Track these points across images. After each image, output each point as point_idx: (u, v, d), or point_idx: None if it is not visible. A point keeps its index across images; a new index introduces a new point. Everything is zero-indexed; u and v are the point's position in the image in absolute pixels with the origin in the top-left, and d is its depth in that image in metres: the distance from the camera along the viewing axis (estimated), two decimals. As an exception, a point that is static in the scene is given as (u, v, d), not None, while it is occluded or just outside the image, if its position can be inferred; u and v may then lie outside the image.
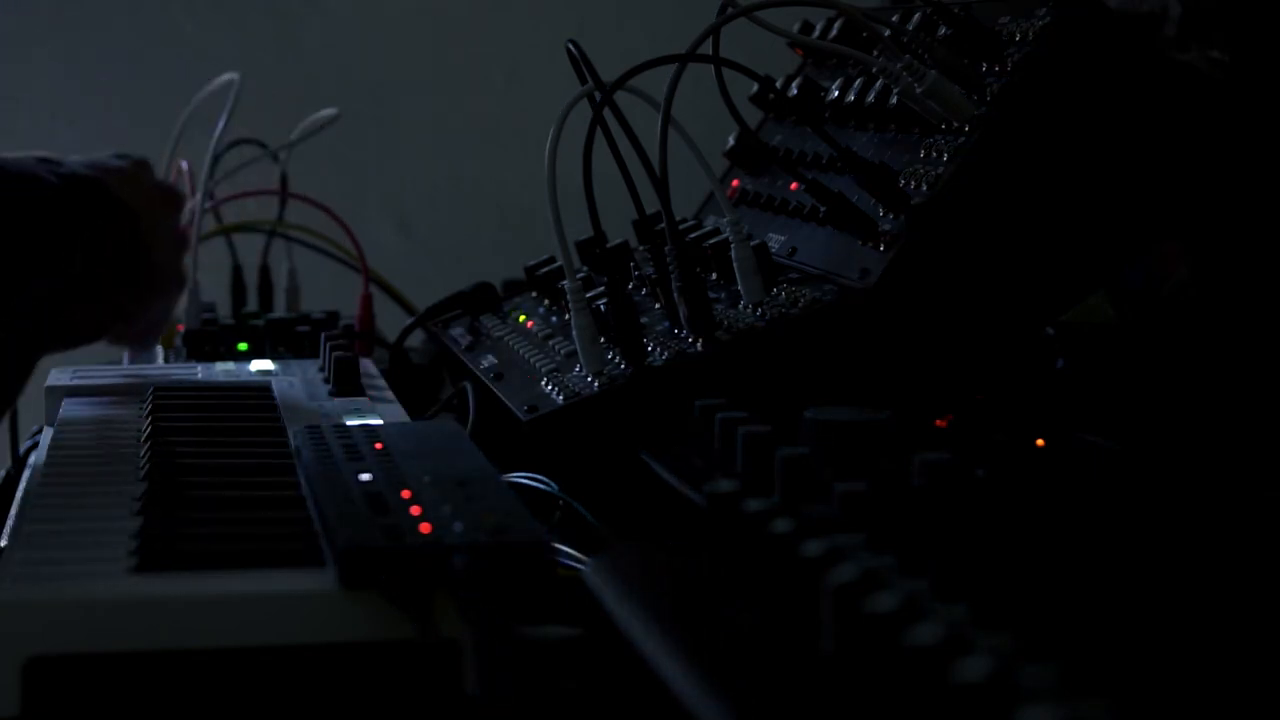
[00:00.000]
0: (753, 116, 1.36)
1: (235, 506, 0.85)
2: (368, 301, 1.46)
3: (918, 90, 1.08)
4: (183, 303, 1.48)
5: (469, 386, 1.20)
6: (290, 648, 0.73)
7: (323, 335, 1.25)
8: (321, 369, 1.23)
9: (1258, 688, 0.52)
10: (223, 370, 1.25)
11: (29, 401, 1.27)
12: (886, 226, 1.07)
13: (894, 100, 1.13)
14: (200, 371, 1.25)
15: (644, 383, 1.05)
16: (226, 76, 1.62)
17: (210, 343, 1.39)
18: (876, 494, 0.69)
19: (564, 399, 1.07)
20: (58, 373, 1.20)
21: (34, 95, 2.25)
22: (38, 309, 1.10)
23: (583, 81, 1.10)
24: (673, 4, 2.28)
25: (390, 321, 1.52)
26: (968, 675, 0.51)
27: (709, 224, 1.26)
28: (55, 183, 1.13)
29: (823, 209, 1.12)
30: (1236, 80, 1.15)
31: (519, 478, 0.98)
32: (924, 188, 1.07)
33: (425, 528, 0.76)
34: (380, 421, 1.04)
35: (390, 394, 1.16)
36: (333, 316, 1.47)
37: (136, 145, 1.33)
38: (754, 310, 1.08)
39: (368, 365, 1.26)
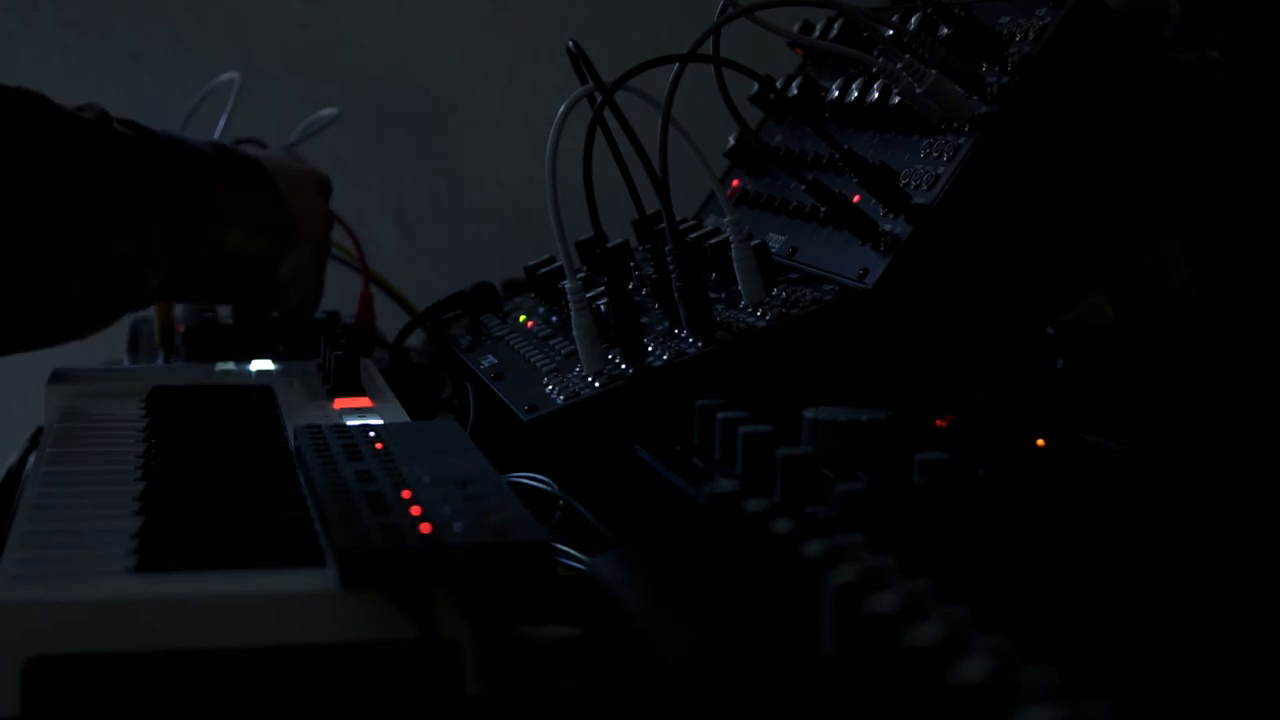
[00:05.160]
0: (753, 116, 1.36)
1: (235, 507, 0.85)
2: (368, 301, 1.46)
3: (918, 90, 1.08)
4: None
5: (469, 386, 1.20)
6: (290, 648, 0.73)
7: (323, 335, 1.25)
8: (321, 369, 1.23)
9: (1258, 688, 0.52)
10: (223, 370, 1.25)
11: (29, 401, 1.27)
12: (887, 227, 1.07)
13: (894, 100, 1.13)
14: (200, 371, 1.25)
15: (644, 383, 1.05)
16: (226, 76, 1.62)
17: (210, 343, 1.39)
18: (876, 494, 0.69)
19: (564, 399, 1.07)
20: (58, 372, 1.20)
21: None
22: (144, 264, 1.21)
23: (583, 81, 1.09)
24: (673, 4, 2.28)
25: (390, 321, 1.52)
26: (967, 675, 0.51)
27: (709, 224, 1.26)
28: (208, 150, 1.28)
29: (823, 209, 1.12)
30: (1236, 80, 1.15)
31: (519, 478, 0.98)
32: (924, 188, 1.07)
33: (425, 528, 0.76)
34: (380, 421, 1.04)
35: (390, 394, 1.16)
36: (333, 316, 1.47)
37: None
38: (754, 310, 1.08)
39: (368, 365, 1.26)
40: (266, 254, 1.30)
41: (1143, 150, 1.06)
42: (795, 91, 1.30)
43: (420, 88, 2.42)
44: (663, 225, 1.08)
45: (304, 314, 1.41)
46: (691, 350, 1.05)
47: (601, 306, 1.09)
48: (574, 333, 1.07)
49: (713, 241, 1.15)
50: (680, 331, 1.08)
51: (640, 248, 1.28)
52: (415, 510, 0.79)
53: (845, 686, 0.58)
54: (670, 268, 1.07)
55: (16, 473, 1.20)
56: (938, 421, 1.04)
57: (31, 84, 1.17)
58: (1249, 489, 0.81)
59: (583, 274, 1.23)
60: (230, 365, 1.27)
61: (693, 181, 1.18)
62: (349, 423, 1.02)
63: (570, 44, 1.10)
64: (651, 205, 1.12)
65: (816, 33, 1.31)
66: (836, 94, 1.23)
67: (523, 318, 1.30)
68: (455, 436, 0.97)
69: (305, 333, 1.38)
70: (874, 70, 1.11)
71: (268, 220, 1.30)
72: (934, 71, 1.08)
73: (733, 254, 1.09)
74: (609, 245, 1.18)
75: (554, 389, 1.09)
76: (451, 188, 2.44)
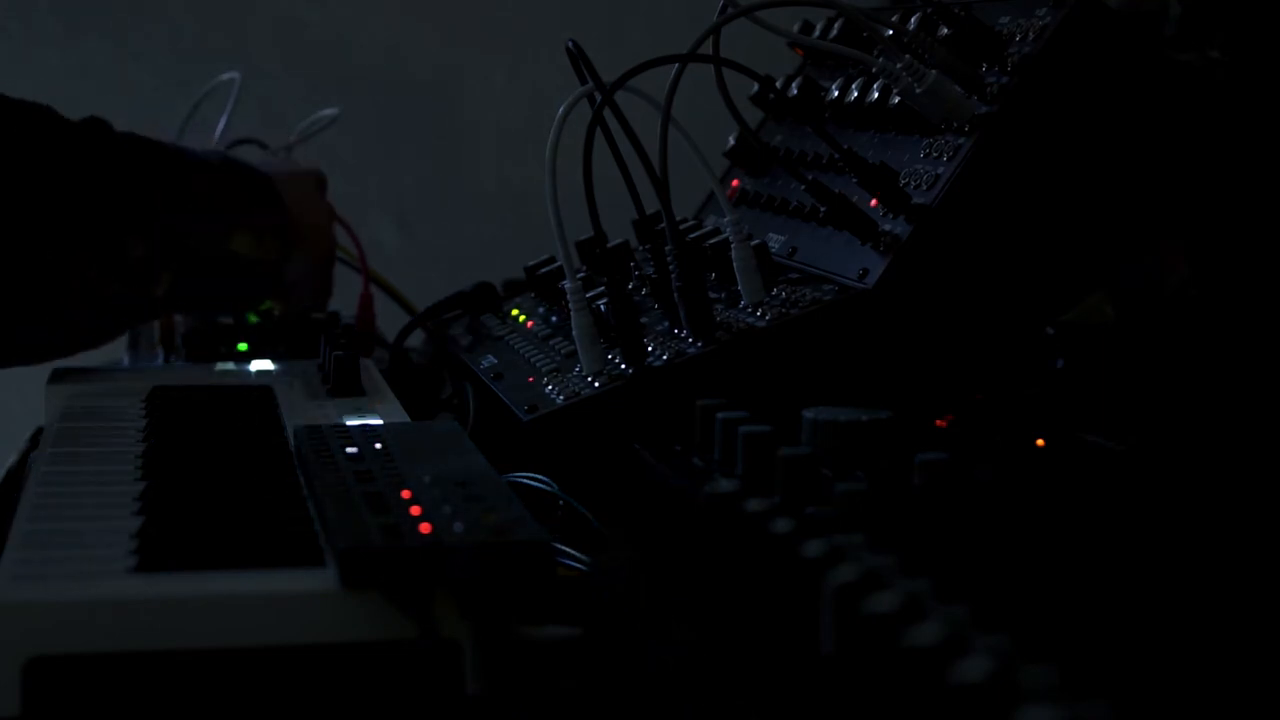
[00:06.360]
0: (753, 116, 1.36)
1: (235, 506, 0.85)
2: (368, 301, 1.46)
3: (918, 90, 1.08)
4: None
5: (469, 386, 1.20)
6: (290, 648, 0.73)
7: (322, 335, 1.25)
8: (321, 369, 1.23)
9: (1257, 688, 0.52)
10: (223, 370, 1.25)
11: (29, 401, 1.27)
12: (887, 227, 1.07)
13: (894, 100, 1.13)
14: (200, 371, 1.25)
15: (644, 383, 1.05)
16: (226, 76, 1.62)
17: (210, 343, 1.39)
18: (876, 494, 0.69)
19: (564, 399, 1.07)
20: (58, 373, 1.20)
21: (34, 96, 2.26)
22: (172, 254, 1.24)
23: (583, 81, 1.09)
24: (673, 4, 2.28)
25: (390, 321, 1.52)
26: (967, 675, 0.51)
27: (709, 224, 1.25)
28: (200, 153, 1.30)
29: (823, 209, 1.12)
30: (1236, 80, 1.15)
31: (519, 478, 0.98)
32: (924, 188, 1.07)
33: (425, 528, 0.76)
34: (380, 421, 1.04)
35: (390, 394, 1.16)
36: (333, 316, 1.47)
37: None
38: (754, 310, 1.08)
39: (368, 365, 1.26)
40: (271, 257, 1.31)
41: (1143, 150, 1.06)
42: (795, 91, 1.30)
43: (420, 88, 2.42)
44: (663, 225, 1.08)
45: (312, 311, 1.43)
46: (691, 350, 1.05)
47: (601, 306, 1.09)
48: (574, 333, 1.07)
49: (713, 241, 1.15)
50: (680, 331, 1.08)
51: (640, 248, 1.28)
52: (415, 510, 0.79)
53: (845, 686, 0.58)
54: (670, 268, 1.07)
55: (16, 473, 1.20)
56: (938, 421, 1.04)
57: (31, 84, 1.17)
58: (1249, 489, 0.81)
59: (583, 274, 1.23)
60: (230, 365, 1.27)
61: (693, 181, 1.18)
62: (349, 423, 1.02)
63: (570, 44, 1.10)
64: (651, 205, 1.12)
65: (816, 33, 1.31)
66: (836, 94, 1.23)
67: (523, 318, 1.30)
68: (455, 436, 0.97)
69: (305, 332, 1.38)
70: (874, 70, 1.11)
71: (270, 223, 1.31)
72: (934, 71, 1.08)
73: (733, 254, 1.09)
74: (609, 245, 1.18)
75: (554, 389, 1.09)
76: (451, 188, 2.44)
